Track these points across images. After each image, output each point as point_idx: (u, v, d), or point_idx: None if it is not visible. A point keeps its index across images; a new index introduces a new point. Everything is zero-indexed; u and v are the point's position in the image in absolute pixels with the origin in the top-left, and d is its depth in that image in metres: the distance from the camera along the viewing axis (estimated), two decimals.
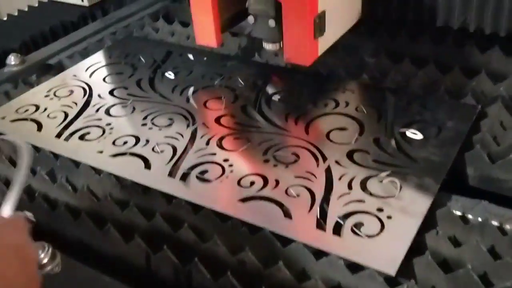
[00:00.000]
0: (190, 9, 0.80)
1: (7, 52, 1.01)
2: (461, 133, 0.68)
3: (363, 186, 0.61)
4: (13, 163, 0.72)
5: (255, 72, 0.87)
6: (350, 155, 0.66)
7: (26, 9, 1.26)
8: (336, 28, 0.82)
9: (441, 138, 0.68)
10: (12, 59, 0.97)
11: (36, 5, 1.28)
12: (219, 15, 0.80)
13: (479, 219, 0.57)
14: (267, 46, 0.81)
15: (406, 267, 0.53)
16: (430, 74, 0.82)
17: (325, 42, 0.79)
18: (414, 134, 0.69)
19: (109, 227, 0.59)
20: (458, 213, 0.59)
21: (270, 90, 0.81)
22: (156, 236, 0.60)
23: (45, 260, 0.51)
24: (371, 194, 0.60)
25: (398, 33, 0.91)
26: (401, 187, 0.60)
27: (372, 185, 0.61)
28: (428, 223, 0.58)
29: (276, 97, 0.79)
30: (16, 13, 1.24)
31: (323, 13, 0.75)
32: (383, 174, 0.62)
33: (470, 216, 0.59)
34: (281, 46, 0.77)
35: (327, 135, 0.70)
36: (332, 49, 0.85)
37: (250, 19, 0.79)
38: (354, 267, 0.53)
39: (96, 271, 0.58)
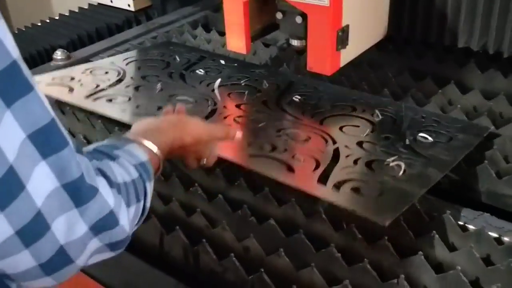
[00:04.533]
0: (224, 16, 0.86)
1: (55, 48, 1.09)
2: (470, 144, 0.70)
3: (368, 165, 0.65)
4: None
5: (280, 79, 0.92)
6: (360, 144, 0.70)
7: (76, 10, 1.35)
8: (359, 42, 0.86)
9: (450, 144, 0.70)
10: (58, 54, 1.05)
11: (86, 7, 1.37)
12: (250, 24, 0.86)
13: (478, 229, 0.60)
14: (293, 42, 0.85)
15: (399, 267, 0.56)
16: (450, 94, 0.85)
17: (347, 55, 0.83)
18: (425, 138, 0.71)
19: None
20: (460, 222, 0.62)
21: (291, 92, 0.86)
22: (171, 219, 0.64)
23: None
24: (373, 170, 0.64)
25: (422, 53, 0.94)
26: (404, 171, 0.63)
27: (376, 166, 0.65)
28: (427, 227, 0.60)
29: (296, 98, 0.84)
30: (67, 13, 1.33)
31: (347, 27, 0.79)
32: (391, 158, 0.66)
33: (470, 226, 0.61)
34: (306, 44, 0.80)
35: (340, 128, 0.75)
36: (357, 63, 0.89)
37: (278, 14, 0.83)
38: (350, 260, 0.56)
39: None
